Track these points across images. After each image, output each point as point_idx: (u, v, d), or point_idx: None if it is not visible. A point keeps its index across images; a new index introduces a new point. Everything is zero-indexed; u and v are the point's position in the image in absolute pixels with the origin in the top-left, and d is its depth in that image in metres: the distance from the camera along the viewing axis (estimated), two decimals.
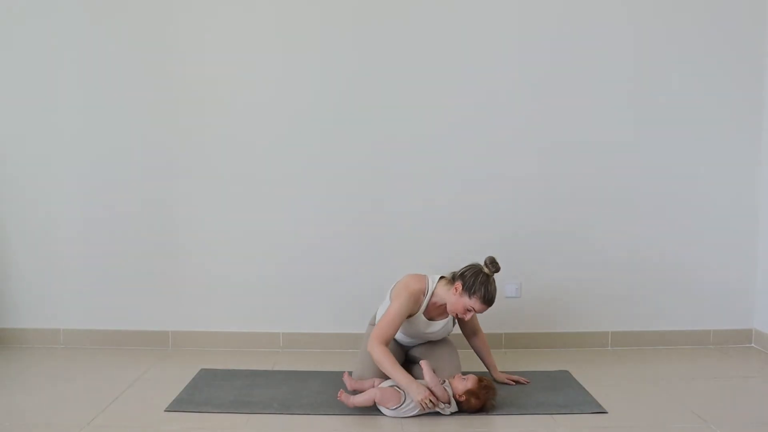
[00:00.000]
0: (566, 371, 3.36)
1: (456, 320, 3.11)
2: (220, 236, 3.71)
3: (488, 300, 2.90)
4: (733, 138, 3.77)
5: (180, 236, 3.71)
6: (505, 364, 3.36)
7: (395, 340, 3.13)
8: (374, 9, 3.64)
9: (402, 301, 2.93)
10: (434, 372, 2.81)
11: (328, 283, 3.71)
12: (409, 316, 2.98)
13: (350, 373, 2.99)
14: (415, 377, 2.83)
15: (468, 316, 2.95)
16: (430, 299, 3.01)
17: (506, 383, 3.15)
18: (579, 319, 3.79)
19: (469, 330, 3.20)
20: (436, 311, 3.05)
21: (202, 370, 3.34)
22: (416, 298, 2.97)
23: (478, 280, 2.89)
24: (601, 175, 3.74)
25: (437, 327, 3.07)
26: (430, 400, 2.72)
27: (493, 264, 2.94)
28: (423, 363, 2.84)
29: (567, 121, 3.71)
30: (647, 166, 3.75)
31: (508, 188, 3.72)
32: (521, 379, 3.19)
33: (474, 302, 2.89)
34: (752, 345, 3.84)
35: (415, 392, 2.72)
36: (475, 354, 3.25)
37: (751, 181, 3.79)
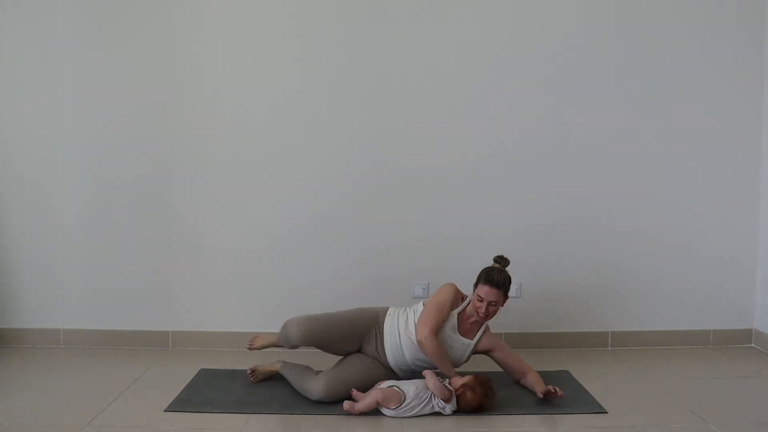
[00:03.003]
0: (566, 371, 3.36)
1: (473, 351, 3.08)
2: (220, 236, 3.71)
3: (488, 280, 2.96)
4: (734, 138, 3.77)
5: (180, 236, 3.70)
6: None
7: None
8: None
9: (446, 291, 3.06)
10: (437, 377, 2.85)
11: (329, 284, 3.71)
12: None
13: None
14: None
15: (483, 309, 2.97)
16: (466, 306, 3.08)
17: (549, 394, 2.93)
18: (579, 319, 3.79)
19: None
20: (466, 324, 3.07)
21: (202, 370, 3.34)
22: (457, 291, 3.09)
23: (483, 270, 3.03)
24: (599, 175, 3.74)
25: (459, 342, 3.04)
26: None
27: (500, 259, 3.08)
28: (426, 372, 2.86)
29: (567, 122, 3.71)
30: (646, 165, 3.75)
31: (507, 189, 3.72)
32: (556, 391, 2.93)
33: (479, 289, 2.99)
34: (752, 345, 3.84)
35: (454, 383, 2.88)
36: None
37: (751, 180, 3.79)
